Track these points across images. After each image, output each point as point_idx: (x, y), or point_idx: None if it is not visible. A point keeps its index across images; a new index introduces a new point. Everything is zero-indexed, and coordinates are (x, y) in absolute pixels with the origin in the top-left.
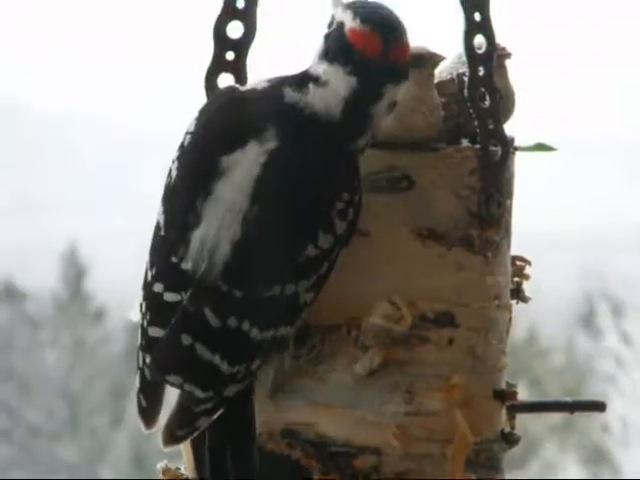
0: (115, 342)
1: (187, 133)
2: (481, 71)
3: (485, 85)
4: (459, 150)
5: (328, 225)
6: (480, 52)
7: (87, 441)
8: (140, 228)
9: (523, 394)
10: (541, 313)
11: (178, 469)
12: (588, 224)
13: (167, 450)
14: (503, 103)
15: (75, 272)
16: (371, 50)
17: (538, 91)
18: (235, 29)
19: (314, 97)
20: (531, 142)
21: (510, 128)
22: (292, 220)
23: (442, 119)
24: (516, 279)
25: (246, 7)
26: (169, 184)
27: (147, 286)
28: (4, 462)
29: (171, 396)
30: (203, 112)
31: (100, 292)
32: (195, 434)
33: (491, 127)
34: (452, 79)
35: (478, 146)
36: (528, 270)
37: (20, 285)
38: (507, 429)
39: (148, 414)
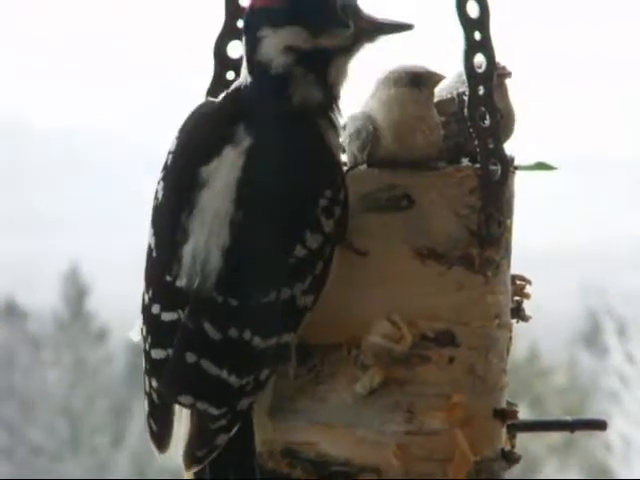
0: (117, 361)
1: (169, 153)
2: (481, 90)
3: (485, 104)
4: (459, 169)
5: (314, 224)
6: (480, 71)
7: (88, 460)
8: (142, 246)
9: (524, 413)
10: (541, 331)
11: None
12: (588, 241)
13: (189, 473)
14: (503, 122)
15: (77, 291)
16: (251, 2)
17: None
18: (235, 48)
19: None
20: (531, 161)
21: (510, 147)
22: (277, 220)
23: (442, 138)
24: (516, 298)
25: None
26: (156, 206)
27: (145, 309)
28: None
29: (182, 420)
30: (181, 130)
31: (102, 311)
32: (215, 453)
33: (491, 146)
34: (452, 98)
35: (478, 165)
36: (528, 289)
37: (21, 304)
38: (507, 448)
39: (160, 437)
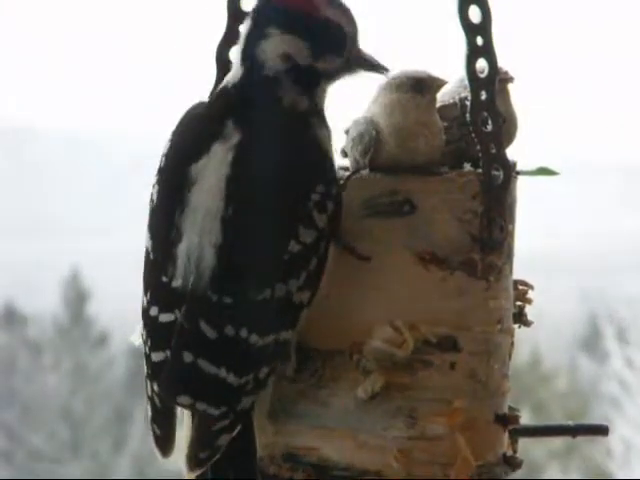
0: (117, 366)
1: (162, 156)
2: (483, 95)
3: (487, 109)
4: (461, 174)
5: (307, 219)
6: (482, 76)
7: (89, 464)
8: (143, 250)
9: (526, 418)
10: (543, 336)
11: None
12: (588, 246)
13: (190, 477)
14: (505, 127)
15: (77, 295)
16: None
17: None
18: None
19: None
20: (533, 166)
21: (512, 152)
22: (268, 216)
23: (444, 143)
24: (518, 303)
25: None
26: (152, 209)
27: (144, 312)
28: None
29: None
30: (173, 133)
31: (102, 316)
32: (218, 455)
33: (493, 151)
34: (454, 103)
35: (480, 170)
36: (530, 294)
37: (22, 308)
38: (509, 453)
39: (163, 442)
